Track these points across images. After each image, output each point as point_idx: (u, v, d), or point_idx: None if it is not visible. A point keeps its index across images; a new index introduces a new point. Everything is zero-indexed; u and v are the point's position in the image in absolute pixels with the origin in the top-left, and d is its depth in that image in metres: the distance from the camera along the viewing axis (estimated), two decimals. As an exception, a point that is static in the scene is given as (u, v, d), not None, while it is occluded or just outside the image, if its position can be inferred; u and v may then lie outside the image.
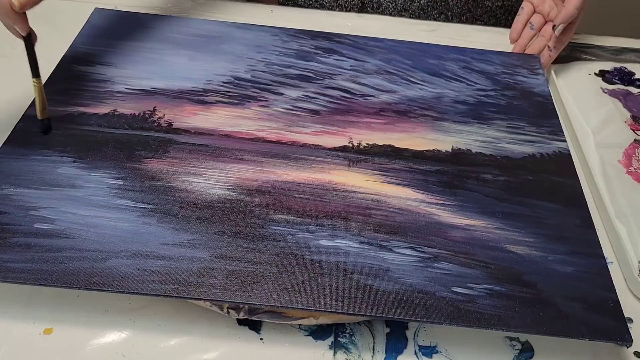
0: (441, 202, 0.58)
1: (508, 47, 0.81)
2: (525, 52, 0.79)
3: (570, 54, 0.82)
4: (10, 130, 0.59)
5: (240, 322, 0.52)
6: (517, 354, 0.52)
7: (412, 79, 0.71)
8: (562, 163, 0.63)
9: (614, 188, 0.64)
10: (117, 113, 0.62)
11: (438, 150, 0.63)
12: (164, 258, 0.50)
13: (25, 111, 0.61)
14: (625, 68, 0.80)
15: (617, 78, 0.78)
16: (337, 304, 0.48)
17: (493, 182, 0.60)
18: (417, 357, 0.51)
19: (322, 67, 0.72)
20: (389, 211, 0.56)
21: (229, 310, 0.49)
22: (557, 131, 0.66)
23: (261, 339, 0.51)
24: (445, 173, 0.60)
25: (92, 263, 0.49)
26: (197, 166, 0.58)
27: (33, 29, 0.58)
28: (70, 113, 0.61)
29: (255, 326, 0.52)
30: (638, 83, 0.78)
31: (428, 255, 0.53)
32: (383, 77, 0.71)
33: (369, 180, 0.59)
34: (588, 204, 0.59)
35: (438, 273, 0.51)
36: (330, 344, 0.52)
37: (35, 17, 0.58)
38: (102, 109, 0.62)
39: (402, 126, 0.65)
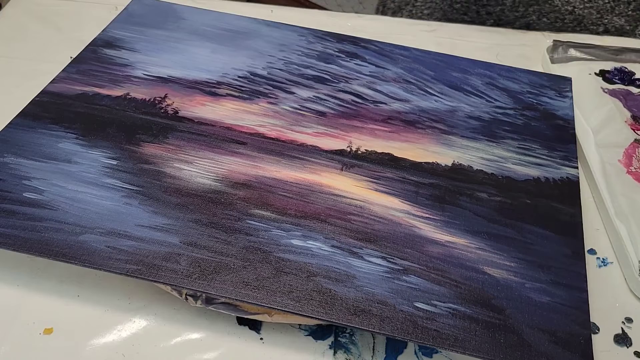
0: (427, 215, 0.56)
1: (507, 47, 0.80)
2: None
3: (570, 54, 0.81)
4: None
5: (240, 321, 0.52)
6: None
7: (430, 90, 0.70)
8: (567, 190, 0.60)
9: (614, 188, 0.62)
10: (129, 97, 0.64)
11: (437, 164, 0.61)
12: (135, 239, 0.51)
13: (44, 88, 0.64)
14: (626, 68, 0.78)
15: (617, 78, 0.76)
16: (292, 303, 0.48)
17: (487, 201, 0.58)
18: (417, 357, 0.51)
19: (341, 70, 0.71)
20: (369, 218, 0.55)
21: (187, 297, 0.50)
22: (570, 157, 0.63)
23: (261, 338, 0.51)
24: (438, 187, 0.59)
25: (67, 236, 0.50)
26: (191, 154, 0.59)
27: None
28: (85, 92, 0.64)
29: (255, 326, 0.52)
30: (638, 83, 0.76)
31: (398, 267, 0.51)
32: (400, 86, 0.70)
33: (357, 186, 0.58)
34: (588, 204, 0.57)
35: (404, 286, 0.50)
36: (330, 344, 0.51)
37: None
38: (116, 92, 0.65)
39: (406, 136, 0.64)
